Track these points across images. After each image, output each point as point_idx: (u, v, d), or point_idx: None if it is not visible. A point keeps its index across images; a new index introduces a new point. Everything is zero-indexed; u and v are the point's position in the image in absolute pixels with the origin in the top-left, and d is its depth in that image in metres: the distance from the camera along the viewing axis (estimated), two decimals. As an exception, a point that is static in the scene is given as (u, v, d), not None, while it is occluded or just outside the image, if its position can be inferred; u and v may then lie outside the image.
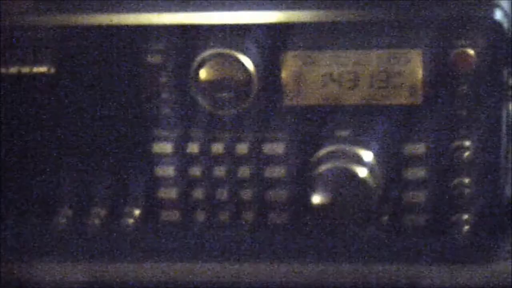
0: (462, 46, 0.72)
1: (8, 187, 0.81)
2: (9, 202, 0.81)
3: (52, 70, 0.77)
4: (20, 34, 0.76)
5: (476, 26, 0.71)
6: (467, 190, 0.75)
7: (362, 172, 0.73)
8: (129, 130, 0.77)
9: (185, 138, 0.77)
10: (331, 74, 0.74)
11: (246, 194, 0.78)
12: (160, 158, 0.78)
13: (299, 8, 0.74)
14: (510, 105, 0.75)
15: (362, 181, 0.73)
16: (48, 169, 0.79)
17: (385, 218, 0.77)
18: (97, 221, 0.79)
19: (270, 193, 0.77)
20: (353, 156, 0.74)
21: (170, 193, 0.78)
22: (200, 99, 0.75)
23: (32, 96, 0.77)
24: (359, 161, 0.74)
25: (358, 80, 0.74)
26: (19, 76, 0.77)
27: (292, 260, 0.80)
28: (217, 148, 0.77)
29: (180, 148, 0.77)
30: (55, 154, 0.79)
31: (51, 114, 0.78)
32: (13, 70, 0.77)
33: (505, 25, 0.72)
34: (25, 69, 0.77)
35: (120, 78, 0.76)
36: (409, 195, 0.76)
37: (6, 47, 0.76)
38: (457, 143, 0.74)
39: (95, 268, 0.82)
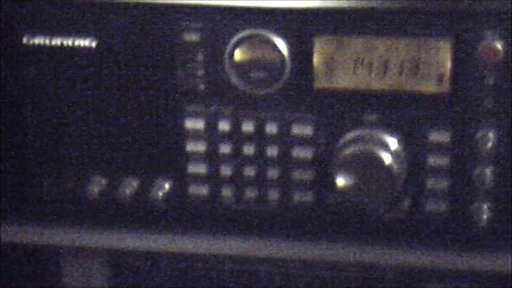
0: (490, 38, 0.73)
1: (42, 154, 0.83)
2: (44, 168, 0.84)
3: (93, 44, 0.79)
4: (63, 7, 0.78)
5: (504, 20, 0.73)
6: (488, 180, 0.76)
7: (386, 157, 0.75)
8: (163, 105, 0.80)
9: (216, 116, 0.79)
10: (361, 60, 0.76)
11: (273, 173, 0.80)
12: (191, 133, 0.80)
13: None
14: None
15: (386, 166, 0.75)
16: (83, 139, 0.82)
17: (407, 203, 0.79)
18: (128, 191, 0.81)
19: (296, 173, 0.79)
20: (379, 141, 0.76)
21: (199, 168, 0.81)
22: (233, 78, 0.77)
23: (72, 68, 0.80)
24: (385, 146, 0.76)
25: (388, 67, 0.75)
26: (61, 48, 0.79)
27: (313, 239, 0.82)
28: (247, 126, 0.79)
29: (211, 125, 0.79)
30: (90, 124, 0.81)
31: (87, 86, 0.80)
32: (55, 42, 0.79)
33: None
34: (68, 42, 0.79)
35: (156, 54, 0.78)
36: (432, 181, 0.77)
37: (50, 19, 0.79)
38: (481, 133, 0.76)
39: (121, 238, 0.84)
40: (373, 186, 0.75)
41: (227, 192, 0.81)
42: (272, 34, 0.76)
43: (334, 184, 0.76)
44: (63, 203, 0.84)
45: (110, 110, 0.81)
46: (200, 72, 0.78)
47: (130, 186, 0.82)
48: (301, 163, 0.79)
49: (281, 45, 0.76)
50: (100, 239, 0.85)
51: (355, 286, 0.84)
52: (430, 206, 0.78)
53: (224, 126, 0.79)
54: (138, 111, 0.80)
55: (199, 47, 0.77)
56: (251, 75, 0.76)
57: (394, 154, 0.76)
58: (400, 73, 0.75)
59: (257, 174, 0.80)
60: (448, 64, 0.75)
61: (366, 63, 0.76)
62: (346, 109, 0.77)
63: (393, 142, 0.76)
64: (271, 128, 0.79)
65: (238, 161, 0.80)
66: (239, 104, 0.79)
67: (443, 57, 0.74)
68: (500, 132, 0.76)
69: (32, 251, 0.88)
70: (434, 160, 0.77)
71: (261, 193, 0.81)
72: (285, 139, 0.79)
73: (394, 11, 0.74)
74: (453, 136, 0.76)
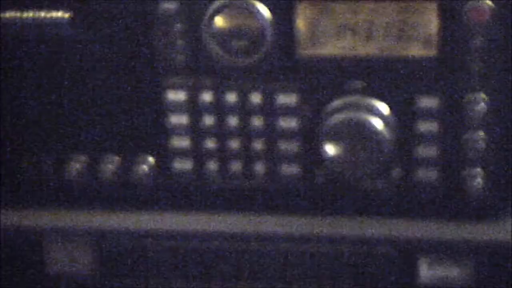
0: (479, -3, 0.71)
1: (20, 135, 0.81)
2: (22, 149, 0.82)
3: (67, 17, 0.77)
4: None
5: (493, -23, 0.71)
6: (480, 144, 0.74)
7: (375, 122, 0.73)
8: (143, 77, 0.77)
9: (198, 87, 0.77)
10: (346, 24, 0.74)
11: (258, 144, 0.78)
12: (173, 106, 0.78)
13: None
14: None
15: (375, 132, 0.73)
16: (61, 116, 0.80)
17: (397, 172, 0.77)
18: (110, 168, 0.79)
19: (282, 144, 0.77)
20: (367, 107, 0.74)
21: (182, 142, 0.79)
22: (214, 48, 0.75)
23: (45, 42, 0.78)
24: (373, 112, 0.74)
25: (373, 31, 0.73)
26: (35, 21, 0.77)
27: (302, 212, 0.80)
28: (230, 97, 0.77)
29: (193, 97, 0.77)
30: (68, 101, 0.79)
31: (64, 60, 0.78)
32: (28, 14, 0.77)
33: (523, -23, 0.72)
34: (41, 15, 0.77)
35: (133, 25, 0.76)
36: (422, 148, 0.76)
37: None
38: (470, 96, 0.74)
39: (105, 218, 0.83)
40: (362, 154, 0.73)
41: (212, 166, 0.79)
42: (252, 0, 0.73)
43: (322, 154, 0.74)
44: (43, 184, 0.82)
45: (86, 85, 0.78)
46: (179, 43, 0.76)
47: (111, 164, 0.80)
48: (287, 134, 0.77)
49: (262, 11, 0.73)
50: (83, 219, 0.83)
51: (346, 260, 0.83)
52: (421, 174, 0.76)
53: (206, 98, 0.77)
54: (116, 85, 0.78)
55: (176, 16, 0.75)
56: (232, 44, 0.74)
57: (383, 120, 0.74)
58: (386, 37, 0.74)
59: (242, 147, 0.78)
60: (435, 26, 0.73)
61: (351, 27, 0.74)
62: (332, 76, 0.75)
63: (382, 108, 0.74)
64: (255, 99, 0.77)
65: (222, 133, 0.78)
66: (220, 75, 0.77)
67: (430, 18, 0.72)
68: (490, 95, 0.74)
69: (13, 234, 0.86)
70: (424, 126, 0.75)
71: (247, 167, 0.79)
72: (269, 110, 0.77)
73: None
74: (442, 100, 0.74)
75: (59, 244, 0.87)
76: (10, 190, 0.83)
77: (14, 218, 0.84)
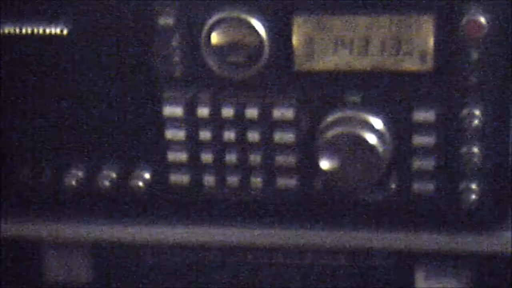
0: (474, 13, 0.71)
1: (18, 146, 0.81)
2: (20, 159, 0.82)
3: (65, 32, 0.77)
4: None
5: (487, -7, 0.71)
6: (475, 158, 0.74)
7: (371, 138, 0.73)
8: (140, 92, 0.78)
9: (195, 102, 0.77)
10: (342, 40, 0.74)
11: (255, 158, 0.78)
12: (170, 121, 0.78)
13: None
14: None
15: (371, 147, 0.73)
16: (60, 128, 0.80)
17: (393, 185, 0.77)
18: (107, 183, 0.80)
19: (279, 158, 0.77)
20: (363, 122, 0.74)
21: (179, 156, 0.79)
22: (211, 63, 0.75)
23: (44, 56, 0.78)
24: (368, 127, 0.74)
25: (369, 46, 0.74)
26: (33, 36, 0.77)
27: (299, 225, 0.80)
28: (227, 112, 0.77)
29: (190, 111, 0.77)
30: (67, 113, 0.79)
31: (62, 74, 0.78)
32: (26, 30, 0.77)
33: (518, -8, 0.72)
34: (39, 30, 0.77)
35: (131, 40, 0.76)
36: (418, 162, 0.76)
37: (19, 7, 0.77)
38: (466, 110, 0.74)
39: (103, 229, 0.83)
40: (358, 168, 0.74)
41: (209, 179, 0.79)
42: (249, 15, 0.73)
43: (318, 167, 0.74)
44: (42, 195, 0.82)
45: (85, 98, 0.79)
46: (177, 57, 0.76)
47: (109, 176, 0.80)
48: (284, 147, 0.77)
49: (259, 26, 0.74)
50: (81, 231, 0.83)
51: (344, 272, 0.83)
52: (417, 186, 0.76)
53: (203, 111, 0.77)
54: (114, 98, 0.78)
55: (174, 31, 0.75)
56: (229, 58, 0.74)
57: (379, 135, 0.74)
58: (382, 52, 0.74)
59: (239, 160, 0.78)
60: (431, 41, 0.73)
61: (347, 42, 0.74)
62: (328, 90, 0.75)
63: (377, 123, 0.75)
64: (252, 112, 0.77)
65: (219, 147, 0.78)
66: (218, 89, 0.77)
67: (425, 33, 0.73)
68: (486, 109, 0.74)
69: (12, 245, 0.87)
70: (420, 140, 0.75)
71: (244, 180, 0.79)
72: (266, 123, 0.77)
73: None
74: (438, 114, 0.74)
75: (58, 254, 0.88)
76: (9, 201, 0.83)
77: (13, 228, 0.84)
